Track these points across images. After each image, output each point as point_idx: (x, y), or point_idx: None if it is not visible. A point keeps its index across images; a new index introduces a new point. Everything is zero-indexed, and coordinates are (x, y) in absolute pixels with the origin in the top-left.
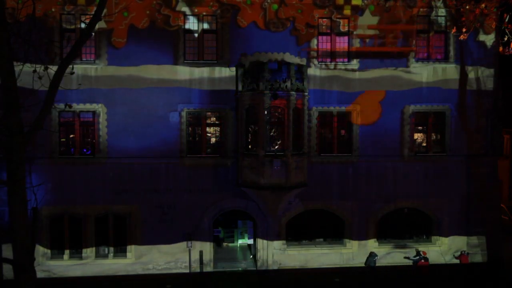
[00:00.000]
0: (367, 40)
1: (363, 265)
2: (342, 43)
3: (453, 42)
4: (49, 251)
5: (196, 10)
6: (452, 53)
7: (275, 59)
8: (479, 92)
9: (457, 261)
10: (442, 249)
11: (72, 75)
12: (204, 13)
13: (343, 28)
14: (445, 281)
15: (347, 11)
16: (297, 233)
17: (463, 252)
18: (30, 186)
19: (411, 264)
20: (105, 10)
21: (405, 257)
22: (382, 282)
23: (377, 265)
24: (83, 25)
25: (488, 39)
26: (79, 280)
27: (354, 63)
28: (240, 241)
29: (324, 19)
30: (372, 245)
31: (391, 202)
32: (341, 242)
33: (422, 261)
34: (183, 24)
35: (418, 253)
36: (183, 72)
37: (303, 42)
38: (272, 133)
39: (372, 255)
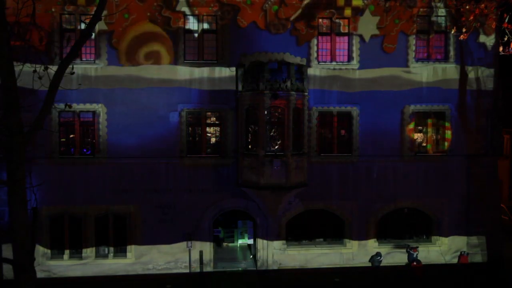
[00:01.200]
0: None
1: (363, 265)
2: (342, 43)
3: (453, 42)
4: (49, 251)
5: (196, 11)
6: (452, 53)
7: (275, 59)
8: (479, 92)
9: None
10: (442, 249)
11: (72, 75)
12: (205, 14)
13: (343, 28)
14: (445, 281)
15: (347, 11)
16: (297, 233)
17: (462, 253)
18: (30, 186)
19: (408, 261)
20: (105, 12)
21: (406, 250)
22: (382, 282)
23: (376, 265)
24: (83, 25)
25: (489, 40)
26: (79, 280)
27: (354, 63)
28: (240, 241)
29: (324, 19)
30: (372, 245)
31: (391, 202)
32: (341, 242)
33: (415, 263)
34: (183, 24)
35: (410, 248)
36: (183, 72)
37: (303, 42)
38: (272, 133)
39: (377, 254)
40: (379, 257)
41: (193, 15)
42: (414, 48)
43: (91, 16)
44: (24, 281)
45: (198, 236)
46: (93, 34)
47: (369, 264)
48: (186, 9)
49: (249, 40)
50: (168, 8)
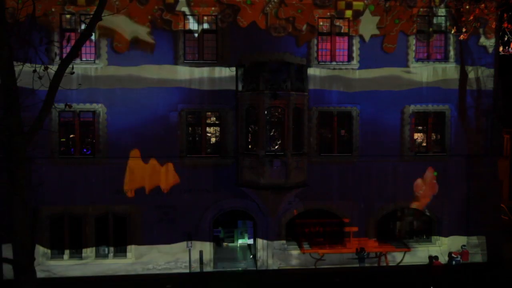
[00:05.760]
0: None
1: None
2: (342, 43)
3: (453, 42)
4: (49, 251)
5: (197, 12)
6: (452, 53)
7: (275, 59)
8: (479, 92)
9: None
10: (442, 249)
11: (72, 75)
12: (205, 14)
13: (343, 29)
14: (444, 281)
15: (347, 13)
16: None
17: (463, 248)
18: (30, 186)
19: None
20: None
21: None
22: (383, 282)
23: (375, 265)
24: (83, 25)
25: (489, 42)
26: (79, 280)
27: (354, 63)
28: (240, 241)
29: (324, 19)
30: (372, 245)
31: (391, 202)
32: (341, 242)
33: (434, 261)
34: (183, 25)
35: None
36: (183, 72)
37: (303, 42)
38: (272, 133)
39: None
40: (457, 258)
41: (193, 15)
42: (414, 48)
43: (91, 16)
44: (24, 281)
45: (198, 236)
46: (95, 35)
47: (369, 264)
48: (186, 9)
49: (249, 40)
50: (169, 11)
